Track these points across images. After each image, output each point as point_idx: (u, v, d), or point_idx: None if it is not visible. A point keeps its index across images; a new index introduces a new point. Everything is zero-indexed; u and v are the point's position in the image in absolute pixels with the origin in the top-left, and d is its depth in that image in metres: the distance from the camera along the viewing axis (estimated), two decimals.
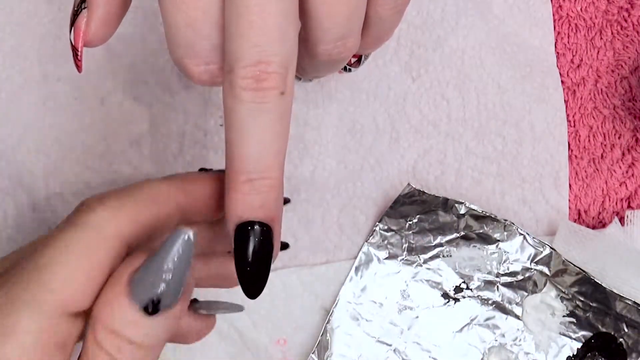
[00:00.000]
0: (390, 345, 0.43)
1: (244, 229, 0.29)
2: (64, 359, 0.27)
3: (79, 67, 0.31)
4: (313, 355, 0.43)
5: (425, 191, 0.43)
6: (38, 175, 0.43)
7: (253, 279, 0.29)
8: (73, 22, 0.30)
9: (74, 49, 0.30)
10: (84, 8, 0.30)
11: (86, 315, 0.28)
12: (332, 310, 0.43)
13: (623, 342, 0.43)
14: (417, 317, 0.43)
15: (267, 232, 0.29)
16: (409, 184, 0.43)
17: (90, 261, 0.27)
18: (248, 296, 0.30)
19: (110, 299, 0.27)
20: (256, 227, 0.29)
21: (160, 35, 0.43)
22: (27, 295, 0.26)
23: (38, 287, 0.27)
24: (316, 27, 0.29)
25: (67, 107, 0.43)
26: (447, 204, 0.43)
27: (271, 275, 0.44)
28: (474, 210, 0.43)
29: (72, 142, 0.43)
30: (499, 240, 0.44)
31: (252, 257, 0.29)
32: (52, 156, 0.43)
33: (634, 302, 0.42)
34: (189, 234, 0.26)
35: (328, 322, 0.43)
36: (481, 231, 0.44)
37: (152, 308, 0.27)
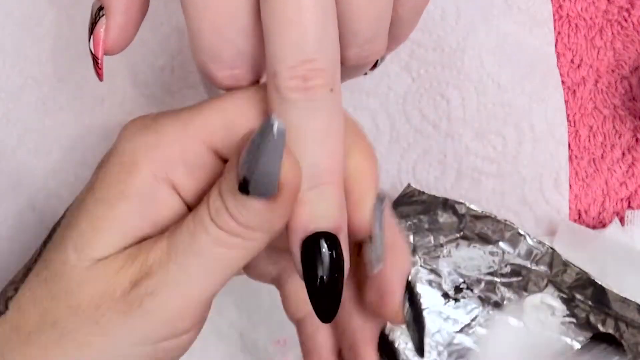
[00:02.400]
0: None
1: (311, 244, 0.27)
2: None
3: (100, 76, 0.31)
4: None
5: (425, 191, 0.43)
6: (38, 175, 0.43)
7: (327, 300, 0.28)
8: (92, 31, 0.30)
9: (95, 58, 0.30)
10: (102, 16, 0.29)
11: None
12: None
13: (623, 342, 0.43)
14: None
15: (335, 243, 0.28)
16: (409, 184, 0.43)
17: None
18: (323, 320, 0.28)
19: (229, 165, 0.27)
20: (324, 240, 0.27)
21: (160, 35, 0.43)
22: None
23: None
24: (345, 30, 0.28)
25: (67, 107, 0.43)
26: (447, 204, 0.43)
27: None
28: (474, 210, 0.43)
29: (72, 142, 0.43)
30: (499, 240, 0.44)
31: (325, 274, 0.27)
32: (52, 156, 0.43)
33: (634, 302, 0.42)
34: (277, 124, 0.25)
35: None
36: (481, 231, 0.44)
37: (244, 187, 0.26)
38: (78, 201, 0.30)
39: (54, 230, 0.31)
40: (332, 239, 0.28)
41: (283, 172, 0.26)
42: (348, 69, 0.30)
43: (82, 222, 0.28)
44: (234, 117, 0.29)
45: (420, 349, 0.31)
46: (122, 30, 0.30)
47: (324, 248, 0.27)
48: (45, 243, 0.31)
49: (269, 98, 0.27)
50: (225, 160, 0.29)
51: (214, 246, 0.27)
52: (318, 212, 0.27)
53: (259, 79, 0.30)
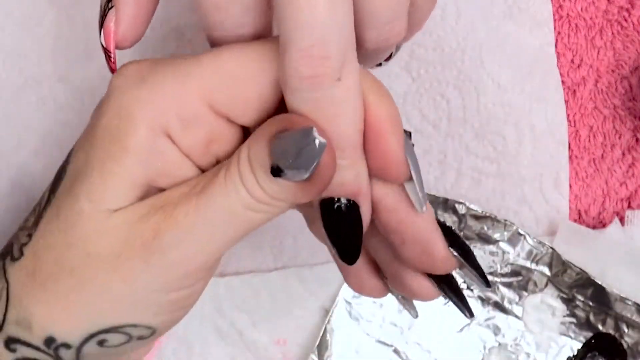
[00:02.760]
0: (390, 345, 0.43)
1: (328, 206, 0.28)
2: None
3: (113, 70, 0.31)
4: (313, 356, 0.43)
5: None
6: (38, 176, 0.43)
7: (346, 249, 0.29)
8: (102, 25, 0.29)
9: (106, 51, 0.30)
10: (111, 8, 0.29)
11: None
12: (332, 310, 0.43)
13: (623, 342, 0.43)
14: (418, 317, 0.43)
15: (352, 207, 0.28)
16: None
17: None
18: (346, 262, 0.29)
19: (259, 134, 0.28)
20: (342, 203, 0.28)
21: (160, 35, 0.43)
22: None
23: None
24: (363, 11, 0.27)
25: (67, 108, 0.43)
26: (447, 204, 0.43)
27: (271, 275, 0.44)
28: (474, 210, 0.43)
29: (72, 142, 0.43)
30: (499, 240, 0.44)
31: (342, 233, 0.29)
32: (52, 157, 0.43)
33: (634, 302, 0.42)
34: (318, 141, 0.26)
35: (328, 322, 0.43)
36: (481, 231, 0.44)
37: (276, 173, 0.27)
38: (81, 149, 0.30)
39: (59, 176, 0.31)
40: (349, 203, 0.28)
41: (324, 163, 0.26)
42: (367, 52, 0.29)
43: (93, 174, 0.29)
44: (233, 74, 0.28)
45: (485, 280, 0.32)
46: (132, 22, 0.29)
47: (339, 213, 0.28)
48: (52, 189, 0.31)
49: (281, 83, 0.27)
50: (222, 116, 0.29)
51: (242, 209, 0.28)
52: (334, 181, 0.28)
53: (262, 24, 0.29)
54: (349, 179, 0.28)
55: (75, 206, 0.29)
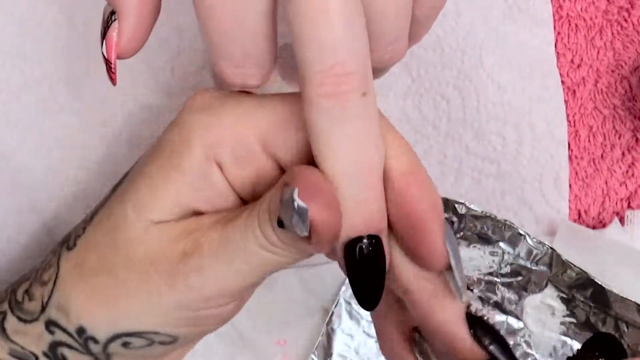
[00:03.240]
0: None
1: (352, 249, 0.28)
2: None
3: (113, 80, 0.31)
4: (313, 356, 0.43)
5: None
6: (38, 176, 0.43)
7: (368, 293, 0.29)
8: (104, 35, 0.30)
9: (107, 62, 0.31)
10: (114, 20, 0.30)
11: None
12: (332, 310, 0.43)
13: (623, 342, 0.43)
14: None
15: (376, 245, 0.28)
16: None
17: None
18: (365, 309, 0.29)
19: (279, 184, 0.28)
20: (364, 242, 0.28)
21: (160, 36, 0.43)
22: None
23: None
24: (370, 33, 0.28)
25: (67, 107, 0.43)
26: (447, 204, 0.43)
27: (271, 275, 0.44)
28: (474, 210, 0.43)
29: (72, 142, 0.43)
30: (498, 240, 0.44)
31: (366, 274, 0.28)
32: (52, 157, 0.43)
33: (634, 302, 0.42)
34: (297, 203, 0.26)
35: (328, 322, 0.43)
36: (481, 231, 0.44)
37: (280, 224, 0.27)
38: (142, 161, 0.32)
39: (122, 178, 0.33)
40: (373, 241, 0.28)
41: (315, 225, 0.26)
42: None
43: (142, 185, 0.31)
44: (287, 119, 0.30)
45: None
46: (134, 34, 0.30)
47: (365, 251, 0.28)
48: (114, 189, 0.33)
49: (303, 105, 0.27)
50: (271, 156, 0.30)
51: (258, 249, 0.29)
52: (357, 220, 0.28)
53: (267, 78, 0.30)
54: (374, 212, 0.28)
55: (122, 211, 0.31)
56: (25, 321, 0.33)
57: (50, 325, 0.32)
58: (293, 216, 0.26)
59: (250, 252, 0.29)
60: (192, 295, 0.30)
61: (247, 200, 0.31)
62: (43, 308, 0.32)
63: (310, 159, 0.29)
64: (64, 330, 0.32)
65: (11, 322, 0.33)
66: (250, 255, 0.29)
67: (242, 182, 0.31)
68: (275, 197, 0.28)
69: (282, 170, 0.31)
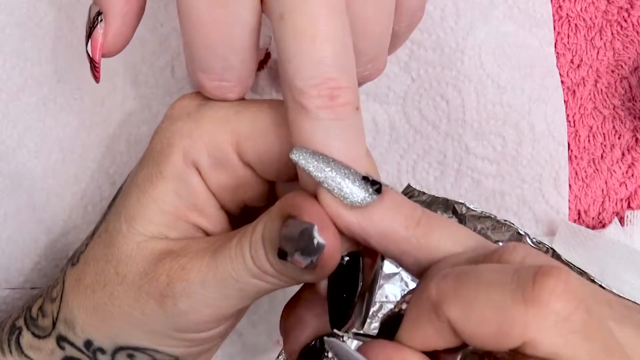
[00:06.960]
0: None
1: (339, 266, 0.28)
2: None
3: (97, 78, 0.32)
4: None
5: (425, 191, 0.43)
6: (38, 176, 0.43)
7: (340, 309, 0.29)
8: (89, 35, 0.31)
9: (92, 61, 0.31)
10: (101, 21, 0.30)
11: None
12: None
13: None
14: None
15: (355, 261, 0.29)
16: (408, 185, 0.43)
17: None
18: (335, 325, 0.30)
19: (275, 214, 0.29)
20: (345, 259, 0.28)
21: (160, 36, 0.43)
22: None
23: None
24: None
25: (67, 108, 0.43)
26: (447, 204, 0.43)
27: None
28: (473, 210, 0.43)
29: (72, 142, 0.43)
30: (498, 241, 0.44)
31: (343, 287, 0.29)
32: (52, 157, 0.43)
33: (634, 302, 0.42)
34: (317, 240, 0.26)
35: None
36: (481, 231, 0.44)
37: (282, 256, 0.27)
38: (133, 172, 0.32)
39: (118, 192, 0.34)
40: (351, 257, 0.29)
41: (326, 258, 0.27)
42: None
43: (132, 195, 0.31)
44: (263, 131, 0.30)
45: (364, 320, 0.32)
46: (119, 34, 0.31)
47: (345, 263, 0.28)
48: (111, 204, 0.33)
49: (290, 115, 0.28)
50: (248, 166, 0.31)
51: (249, 277, 0.29)
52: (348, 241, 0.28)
53: (246, 91, 0.31)
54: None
55: (117, 224, 0.31)
56: (39, 337, 0.33)
57: (61, 340, 0.32)
58: (303, 250, 0.26)
59: (243, 282, 0.29)
60: (184, 318, 0.30)
61: (234, 211, 0.32)
62: (54, 324, 0.33)
63: (282, 170, 0.30)
64: (73, 344, 0.32)
65: (26, 338, 0.33)
66: (242, 285, 0.29)
67: (221, 188, 0.31)
68: (272, 227, 0.28)
69: (258, 176, 0.31)
